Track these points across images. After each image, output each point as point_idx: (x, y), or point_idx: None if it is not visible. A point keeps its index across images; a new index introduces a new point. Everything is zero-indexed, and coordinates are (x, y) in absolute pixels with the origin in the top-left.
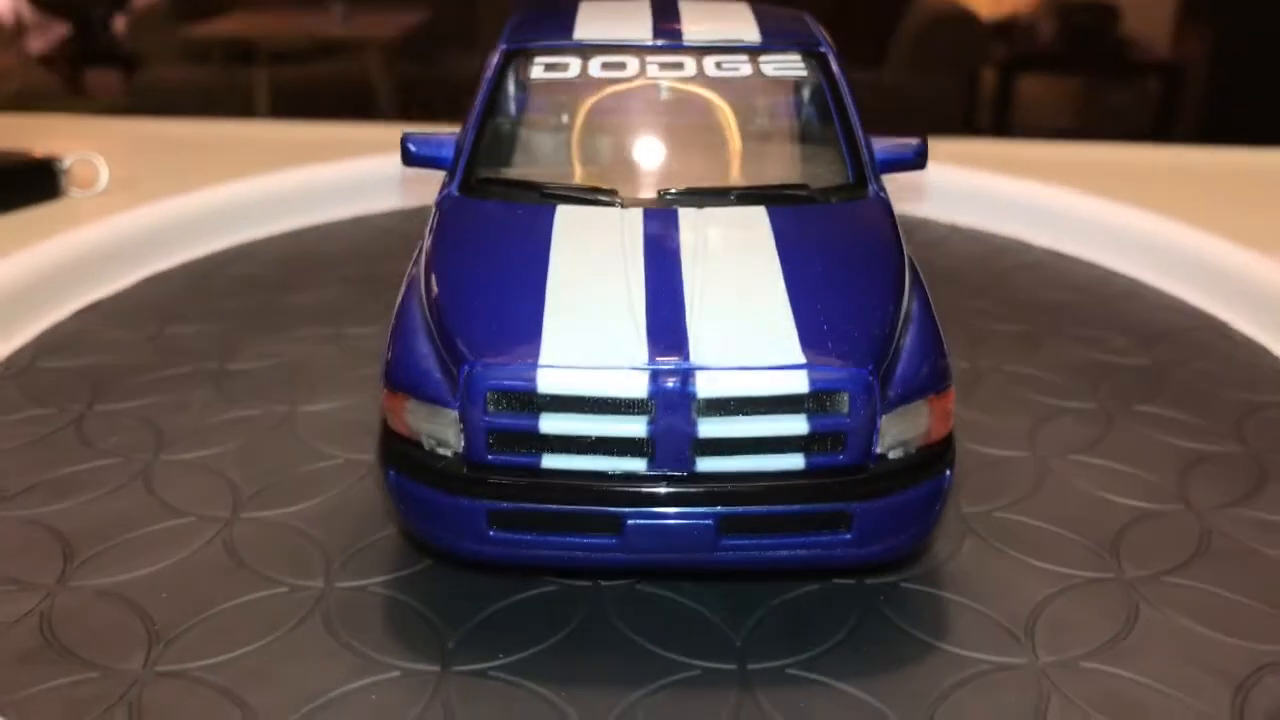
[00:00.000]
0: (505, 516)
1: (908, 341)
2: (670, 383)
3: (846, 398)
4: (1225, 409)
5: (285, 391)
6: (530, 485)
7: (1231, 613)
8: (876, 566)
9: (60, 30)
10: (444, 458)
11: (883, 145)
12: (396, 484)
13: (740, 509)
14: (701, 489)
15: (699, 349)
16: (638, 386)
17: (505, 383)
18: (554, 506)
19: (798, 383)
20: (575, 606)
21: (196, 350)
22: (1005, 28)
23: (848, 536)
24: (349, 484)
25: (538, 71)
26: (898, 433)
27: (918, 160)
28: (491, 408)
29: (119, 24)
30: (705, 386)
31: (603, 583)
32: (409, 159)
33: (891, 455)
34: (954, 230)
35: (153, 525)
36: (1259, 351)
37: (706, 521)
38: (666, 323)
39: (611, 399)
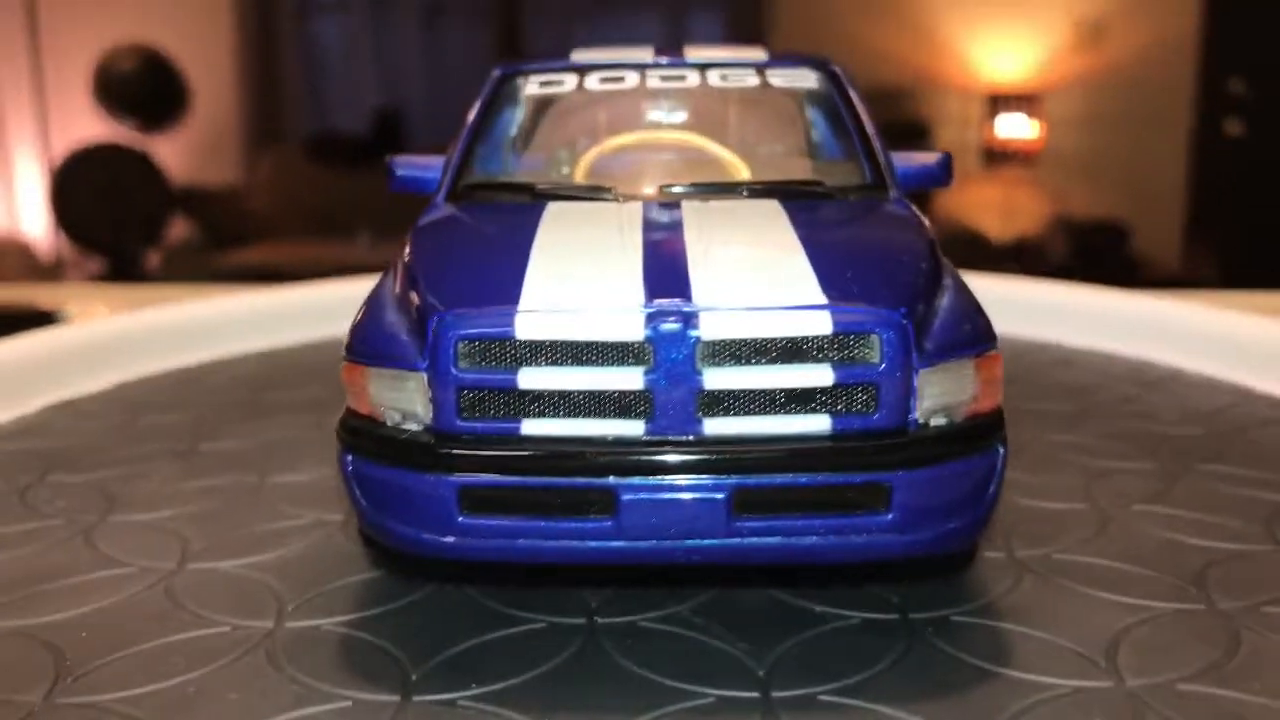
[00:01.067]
0: (478, 496)
1: (945, 302)
2: (669, 324)
3: (877, 343)
4: None
5: (258, 465)
6: (507, 456)
7: None
8: (925, 562)
9: (96, 264)
10: (409, 432)
11: (903, 160)
12: (355, 470)
13: (756, 479)
14: (710, 455)
15: (703, 291)
16: (631, 329)
17: (479, 330)
18: (535, 479)
19: (819, 324)
20: (566, 641)
21: (167, 435)
22: (1016, 248)
23: (888, 518)
24: (315, 539)
25: (532, 89)
26: (939, 394)
27: (943, 175)
28: (464, 362)
29: (152, 257)
30: (710, 328)
31: (599, 619)
32: (394, 183)
33: (933, 423)
34: None
35: (87, 574)
36: None
37: (717, 495)
38: (666, 270)
39: (601, 344)
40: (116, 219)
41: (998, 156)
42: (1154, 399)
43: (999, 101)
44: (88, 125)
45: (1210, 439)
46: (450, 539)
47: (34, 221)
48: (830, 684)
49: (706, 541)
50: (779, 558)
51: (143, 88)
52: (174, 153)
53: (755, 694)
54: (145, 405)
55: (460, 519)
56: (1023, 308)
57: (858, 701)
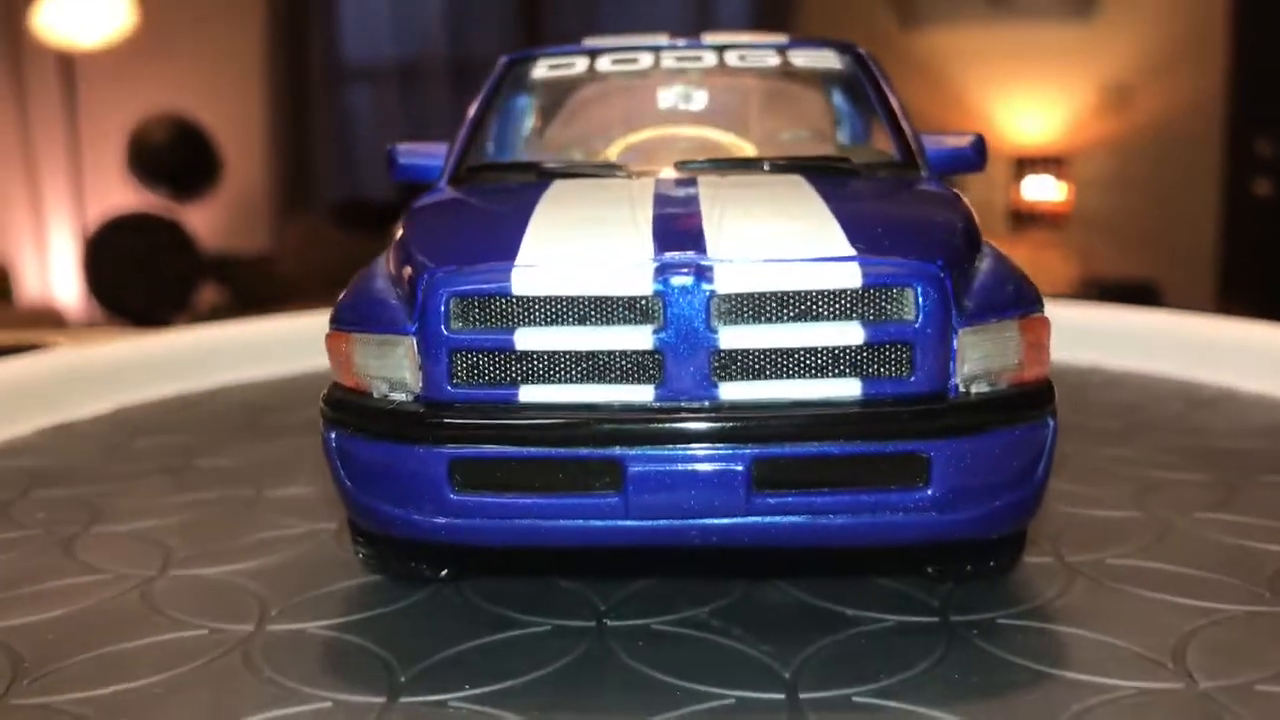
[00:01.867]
0: (471, 469)
1: (985, 264)
2: (681, 277)
3: (912, 298)
4: None
5: (253, 480)
6: (503, 425)
7: None
8: (968, 546)
9: (126, 330)
10: (396, 402)
11: (933, 143)
12: (338, 447)
13: (778, 449)
14: (726, 423)
15: (718, 244)
16: (639, 283)
17: (472, 286)
18: (534, 451)
19: (848, 277)
20: (571, 644)
21: (161, 454)
22: None
23: (926, 494)
24: (307, 547)
25: (540, 72)
26: (981, 358)
27: (976, 158)
28: (456, 323)
29: (182, 322)
30: (726, 281)
31: (608, 622)
32: (396, 171)
33: (975, 389)
34: None
35: (60, 580)
36: None
37: (734, 467)
38: (678, 226)
39: (606, 300)
40: (148, 286)
41: (1025, 218)
42: (1205, 416)
43: (1025, 164)
44: (121, 194)
45: (1272, 452)
46: (442, 519)
47: (67, 289)
48: (864, 685)
49: (723, 520)
50: (804, 539)
51: (175, 157)
52: (205, 221)
53: (780, 695)
54: (140, 427)
55: (453, 496)
56: (1062, 331)
57: (895, 703)
